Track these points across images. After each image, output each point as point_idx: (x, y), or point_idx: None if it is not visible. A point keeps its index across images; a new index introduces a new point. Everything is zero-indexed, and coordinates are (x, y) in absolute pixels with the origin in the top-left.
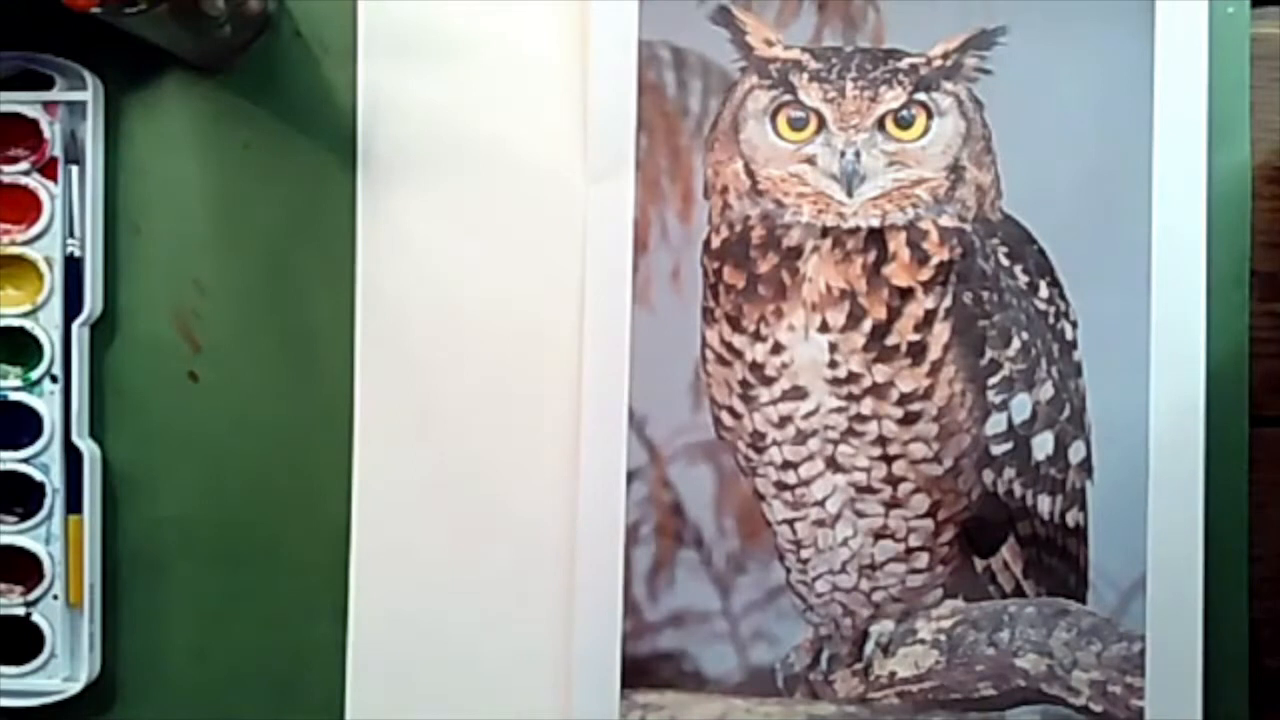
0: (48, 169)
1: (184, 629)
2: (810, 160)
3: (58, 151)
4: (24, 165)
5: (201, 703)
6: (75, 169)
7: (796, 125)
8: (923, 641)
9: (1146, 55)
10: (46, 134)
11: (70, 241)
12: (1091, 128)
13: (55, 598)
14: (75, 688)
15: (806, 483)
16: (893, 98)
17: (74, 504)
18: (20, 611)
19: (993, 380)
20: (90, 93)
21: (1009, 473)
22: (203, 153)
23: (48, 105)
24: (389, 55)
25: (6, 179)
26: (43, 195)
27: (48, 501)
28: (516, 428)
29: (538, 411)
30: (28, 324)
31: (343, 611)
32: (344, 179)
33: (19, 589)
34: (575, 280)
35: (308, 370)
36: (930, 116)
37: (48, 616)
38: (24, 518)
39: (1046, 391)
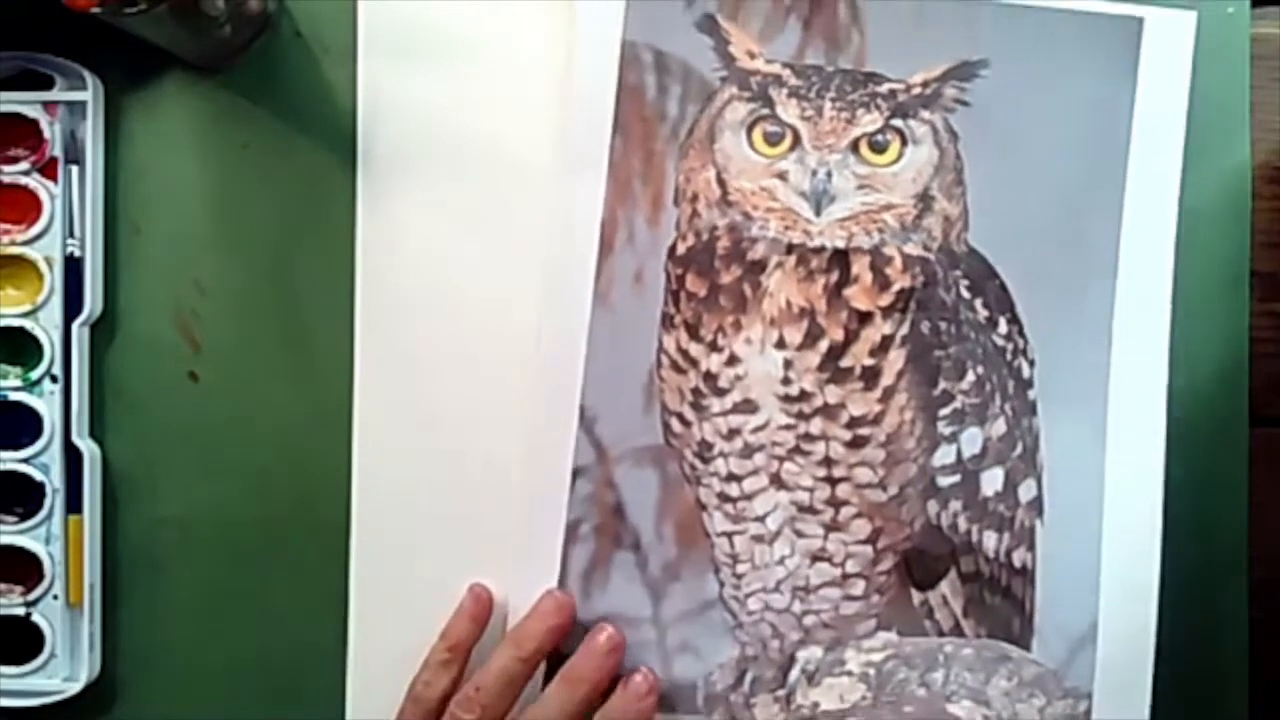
0: (48, 169)
1: (184, 629)
2: (782, 176)
3: (58, 151)
4: (24, 165)
5: (201, 703)
6: (75, 169)
7: (772, 140)
8: (850, 673)
9: (1127, 98)
10: (46, 134)
11: (70, 241)
12: (1065, 168)
13: (55, 598)
14: (75, 688)
15: (749, 497)
16: (869, 121)
17: (74, 504)
18: (20, 611)
19: (944, 411)
20: (90, 93)
21: (954, 505)
22: (203, 153)
23: (48, 105)
24: (389, 55)
25: (6, 179)
26: (43, 195)
27: (48, 501)
28: (517, 427)
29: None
30: (28, 324)
31: (343, 611)
32: (344, 179)
33: (19, 589)
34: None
35: (308, 370)
36: (905, 143)
37: (48, 616)
38: (24, 518)
39: (999, 428)
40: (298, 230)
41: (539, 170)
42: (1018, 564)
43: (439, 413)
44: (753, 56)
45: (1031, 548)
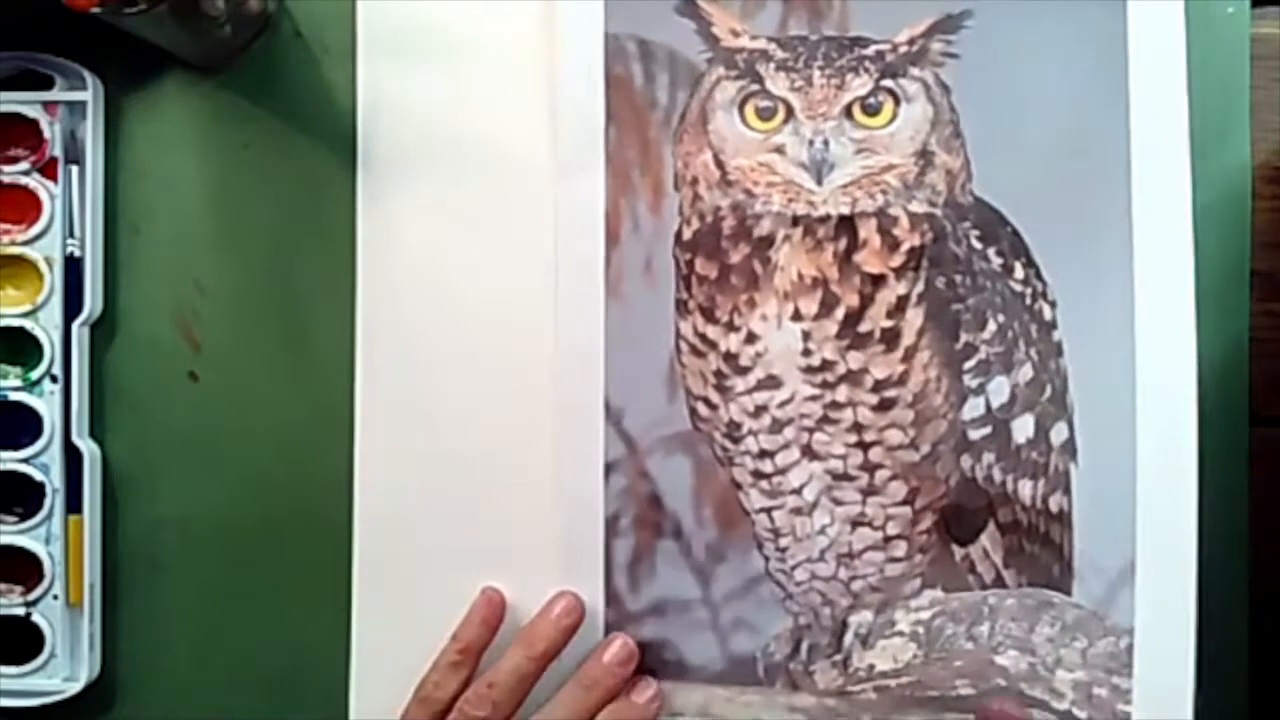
0: (48, 169)
1: (184, 629)
2: (779, 149)
3: (58, 151)
4: (24, 165)
5: (202, 702)
6: (75, 169)
7: (764, 115)
8: (901, 634)
9: (1120, 27)
10: (46, 134)
11: (70, 241)
12: (1063, 105)
13: (55, 598)
14: (75, 688)
15: (783, 471)
16: (860, 85)
17: (74, 504)
18: (20, 611)
19: (968, 364)
20: (90, 93)
21: (988, 457)
22: (203, 153)
23: (48, 105)
24: (389, 55)
25: (6, 179)
26: (43, 195)
27: (48, 501)
28: (518, 427)
29: (541, 411)
30: (28, 324)
31: (344, 611)
32: (344, 179)
33: (19, 589)
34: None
35: (308, 370)
36: (898, 103)
37: (48, 616)
38: (24, 518)
39: (1025, 373)
40: (298, 230)
41: (539, 169)
42: (1054, 509)
43: (439, 412)
44: (736, 35)
45: (1067, 491)
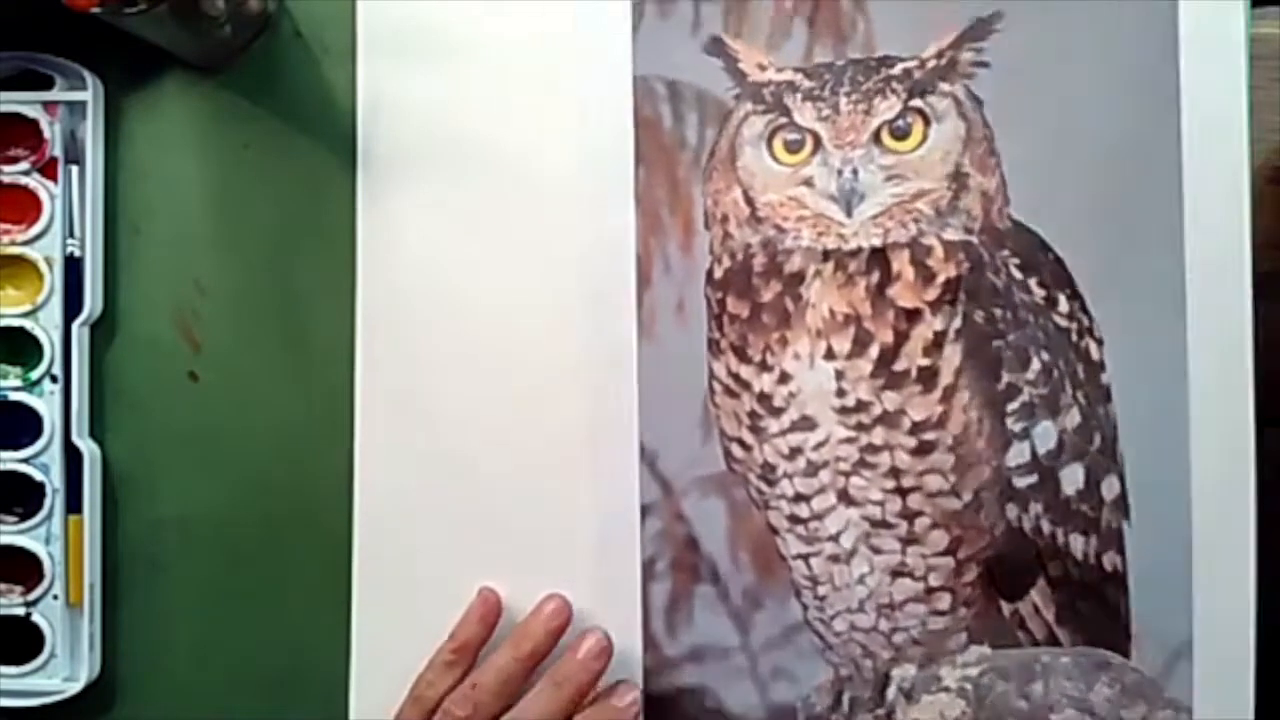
0: (48, 169)
1: (184, 629)
2: (808, 182)
3: (58, 151)
4: (24, 165)
5: (202, 702)
6: (75, 169)
7: (792, 148)
8: (948, 689)
9: (1171, 26)
10: (46, 134)
11: (70, 241)
12: (1107, 116)
13: (55, 598)
14: (75, 688)
15: (819, 516)
16: (887, 108)
17: (74, 504)
18: (20, 611)
19: (1012, 406)
20: (90, 93)
21: (1035, 508)
22: (203, 153)
23: (48, 105)
24: (389, 55)
25: (6, 179)
26: (43, 195)
27: (48, 501)
28: (516, 428)
29: (538, 412)
30: (28, 324)
31: (343, 611)
32: (344, 179)
33: (19, 589)
34: (575, 282)
35: (308, 370)
36: (927, 123)
37: (48, 616)
38: (24, 518)
39: (1073, 418)
40: (298, 230)
41: (539, 170)
42: (1108, 568)
43: (439, 412)
44: (763, 68)
45: (1121, 551)
